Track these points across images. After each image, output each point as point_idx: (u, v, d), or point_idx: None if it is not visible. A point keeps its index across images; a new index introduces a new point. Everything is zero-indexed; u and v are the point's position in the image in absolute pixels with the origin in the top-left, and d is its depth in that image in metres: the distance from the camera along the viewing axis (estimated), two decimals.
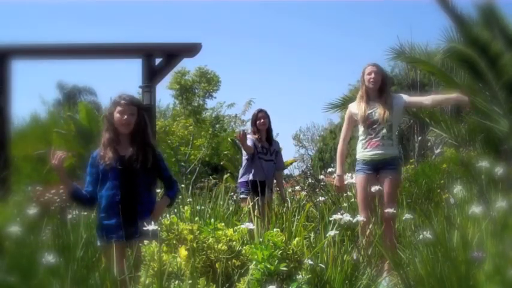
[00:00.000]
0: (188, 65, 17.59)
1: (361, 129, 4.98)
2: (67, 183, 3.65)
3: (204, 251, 2.97)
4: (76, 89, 27.25)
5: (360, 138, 5.00)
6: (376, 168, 4.88)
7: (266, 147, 6.18)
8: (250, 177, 6.06)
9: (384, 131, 4.85)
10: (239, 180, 6.28)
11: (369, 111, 4.90)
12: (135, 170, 3.60)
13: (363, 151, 4.95)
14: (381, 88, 4.93)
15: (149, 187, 3.70)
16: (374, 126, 4.88)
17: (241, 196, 6.13)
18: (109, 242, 3.52)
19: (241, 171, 6.28)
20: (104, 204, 3.62)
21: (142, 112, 3.74)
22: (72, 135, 13.14)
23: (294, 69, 53.86)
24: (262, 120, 6.20)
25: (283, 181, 9.62)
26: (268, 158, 6.15)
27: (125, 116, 3.62)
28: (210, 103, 18.26)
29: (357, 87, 5.19)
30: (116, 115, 3.64)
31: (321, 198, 6.11)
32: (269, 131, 6.29)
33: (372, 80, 4.91)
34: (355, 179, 5.03)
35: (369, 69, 4.96)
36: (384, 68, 5.14)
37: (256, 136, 6.17)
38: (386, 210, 4.59)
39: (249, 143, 6.05)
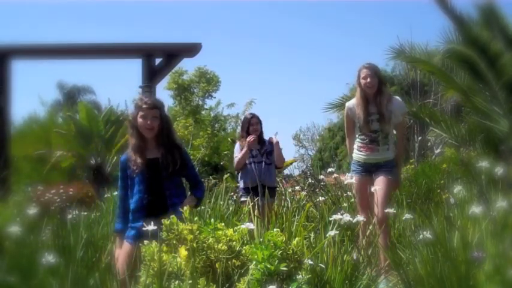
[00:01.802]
0: (187, 65, 17.60)
1: (358, 129, 4.96)
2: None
3: (204, 251, 2.97)
4: (76, 89, 27.23)
5: (357, 137, 4.99)
6: (371, 170, 4.90)
7: (255, 150, 6.05)
8: (241, 185, 6.05)
9: (380, 137, 4.89)
10: (238, 185, 6.27)
11: (369, 118, 4.87)
12: (162, 174, 3.61)
13: (359, 153, 4.97)
14: (378, 91, 4.89)
15: (178, 187, 3.70)
16: (371, 134, 4.89)
17: (242, 199, 6.11)
18: (134, 243, 3.49)
19: (238, 176, 6.27)
20: (132, 208, 3.64)
21: (165, 114, 3.72)
22: (72, 135, 13.09)
23: (294, 69, 53.95)
24: (255, 126, 6.07)
25: (283, 181, 9.65)
26: (259, 160, 6.02)
27: (148, 121, 3.61)
28: (210, 103, 18.27)
29: (356, 86, 5.10)
30: (139, 120, 3.63)
31: (321, 198, 6.10)
32: (260, 134, 6.14)
33: (368, 84, 4.84)
34: (353, 179, 5.02)
35: (364, 72, 4.87)
36: (379, 68, 5.02)
37: (244, 142, 6.02)
38: (378, 211, 4.59)
39: (236, 153, 6.04)
